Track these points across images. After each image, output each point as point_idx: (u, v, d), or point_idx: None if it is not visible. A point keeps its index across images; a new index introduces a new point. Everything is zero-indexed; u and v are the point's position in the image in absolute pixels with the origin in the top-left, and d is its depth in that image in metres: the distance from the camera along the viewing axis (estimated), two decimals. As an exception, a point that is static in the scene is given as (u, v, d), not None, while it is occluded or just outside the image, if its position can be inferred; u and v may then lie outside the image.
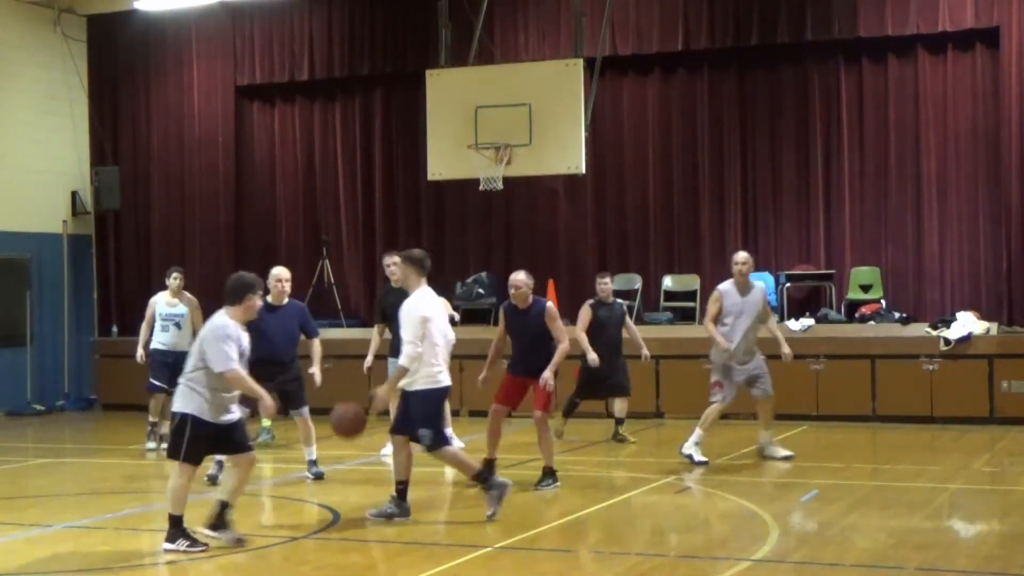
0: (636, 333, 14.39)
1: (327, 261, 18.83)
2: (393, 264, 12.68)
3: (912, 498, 10.51)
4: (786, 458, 12.57)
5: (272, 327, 11.46)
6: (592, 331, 13.67)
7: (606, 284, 14.08)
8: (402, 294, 10.93)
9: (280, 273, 12.02)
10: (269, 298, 11.52)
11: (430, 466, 12.87)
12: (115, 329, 20.00)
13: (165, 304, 14.09)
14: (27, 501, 10.32)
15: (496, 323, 18.21)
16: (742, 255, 12.48)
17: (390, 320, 12.01)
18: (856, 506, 10.06)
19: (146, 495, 11.53)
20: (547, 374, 10.68)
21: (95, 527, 9.83)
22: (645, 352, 14.27)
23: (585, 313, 13.83)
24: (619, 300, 14.60)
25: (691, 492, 10.87)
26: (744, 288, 12.33)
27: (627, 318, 14.36)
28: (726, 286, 12.38)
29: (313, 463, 11.99)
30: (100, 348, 19.75)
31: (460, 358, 17.12)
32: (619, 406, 14.36)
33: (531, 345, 10.93)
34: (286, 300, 12.04)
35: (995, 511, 10.20)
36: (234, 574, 8.28)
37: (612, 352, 13.86)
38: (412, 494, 11.10)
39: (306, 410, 12.05)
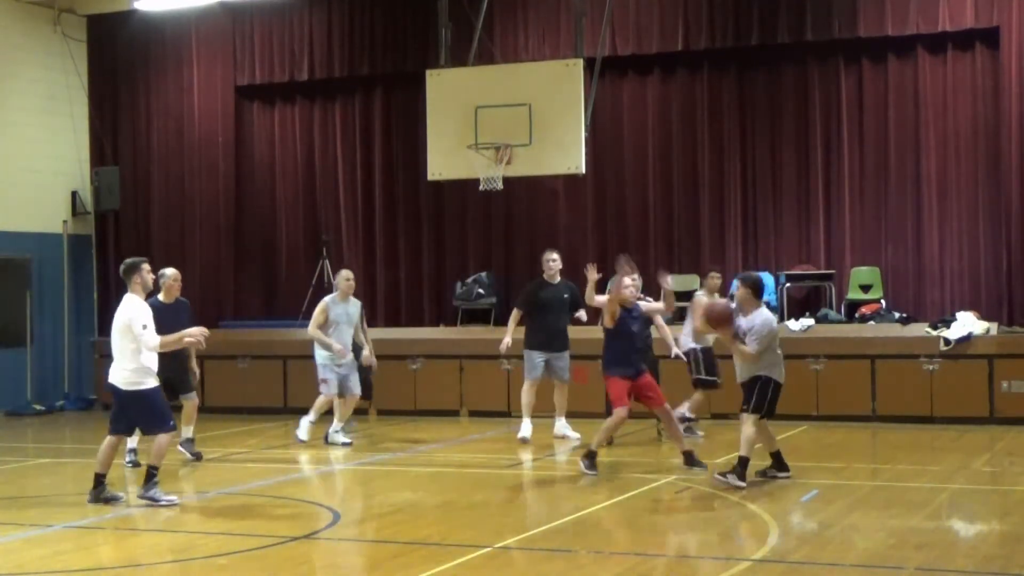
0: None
1: (327, 261, 18.82)
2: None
3: (912, 498, 10.50)
4: (345, 444, 13.99)
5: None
6: None
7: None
8: (557, 288, 14.15)
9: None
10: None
11: (430, 467, 12.88)
12: (115, 329, 19.98)
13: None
14: (27, 501, 10.32)
15: (495, 323, 18.38)
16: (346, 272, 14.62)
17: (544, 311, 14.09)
18: (856, 506, 10.05)
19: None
20: None
21: (95, 527, 9.82)
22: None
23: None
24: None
25: (691, 492, 10.87)
26: (345, 299, 14.29)
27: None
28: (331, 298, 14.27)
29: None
30: (100, 348, 19.69)
31: (461, 358, 17.23)
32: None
33: None
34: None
35: (995, 511, 10.19)
36: (234, 574, 8.27)
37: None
38: (411, 495, 11.11)
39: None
